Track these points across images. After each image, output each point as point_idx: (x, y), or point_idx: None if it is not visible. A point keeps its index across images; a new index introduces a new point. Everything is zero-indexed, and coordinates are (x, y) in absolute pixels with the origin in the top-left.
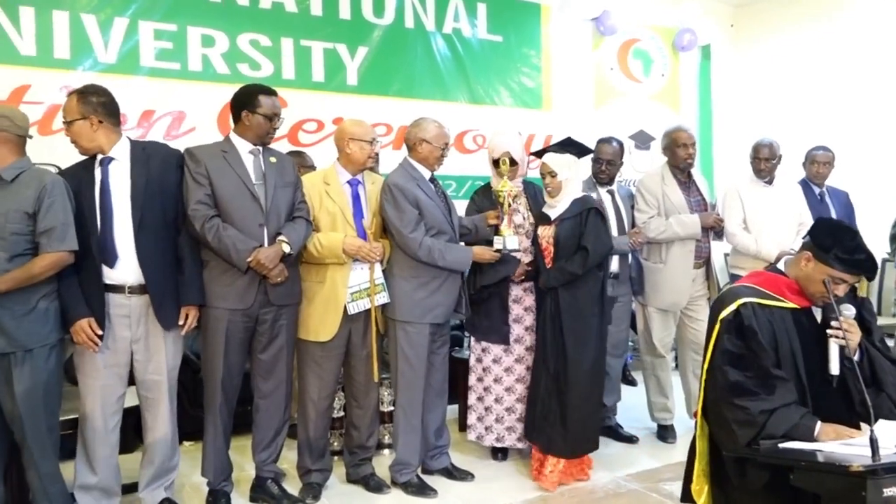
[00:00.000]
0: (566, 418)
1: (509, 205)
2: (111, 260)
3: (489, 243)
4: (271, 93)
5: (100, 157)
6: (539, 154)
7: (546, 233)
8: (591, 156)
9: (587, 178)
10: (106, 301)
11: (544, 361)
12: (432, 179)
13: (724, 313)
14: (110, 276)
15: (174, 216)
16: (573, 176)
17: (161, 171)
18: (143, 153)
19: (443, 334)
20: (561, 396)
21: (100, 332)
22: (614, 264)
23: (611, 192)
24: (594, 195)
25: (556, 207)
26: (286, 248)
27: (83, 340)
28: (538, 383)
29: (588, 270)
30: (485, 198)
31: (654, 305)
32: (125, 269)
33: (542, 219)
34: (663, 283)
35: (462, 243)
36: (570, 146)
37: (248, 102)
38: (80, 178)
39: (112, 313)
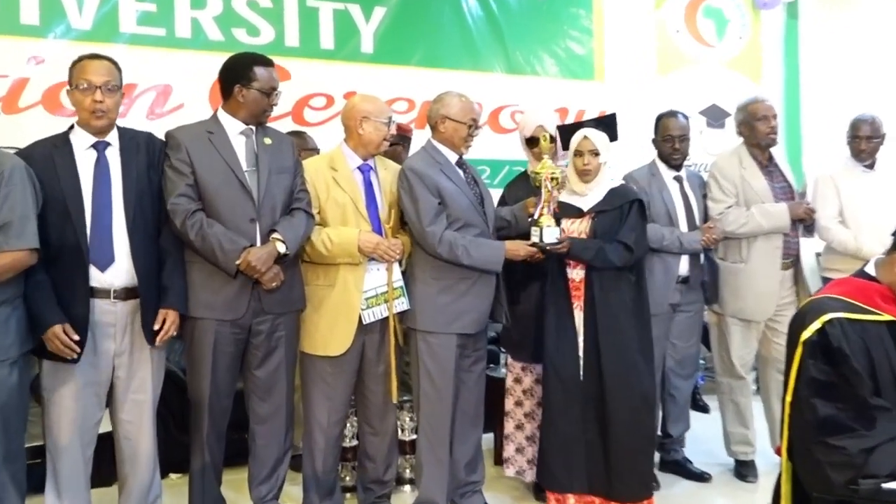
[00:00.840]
0: (616, 456)
1: (548, 190)
2: (105, 262)
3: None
4: (268, 63)
5: (93, 140)
6: (566, 130)
7: (579, 227)
8: (656, 136)
9: (649, 162)
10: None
11: (572, 387)
12: (461, 163)
13: (806, 334)
14: (96, 279)
15: (159, 211)
16: (610, 161)
17: (149, 162)
18: (132, 141)
19: (477, 348)
20: (603, 430)
21: (76, 338)
22: (684, 266)
23: (678, 180)
24: (647, 183)
25: (587, 197)
26: (281, 249)
27: (58, 348)
28: (562, 414)
29: (619, 271)
30: (519, 190)
31: (735, 315)
32: (115, 271)
33: (565, 210)
34: (745, 287)
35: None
36: (608, 126)
37: (241, 75)
38: (52, 163)
39: (95, 321)
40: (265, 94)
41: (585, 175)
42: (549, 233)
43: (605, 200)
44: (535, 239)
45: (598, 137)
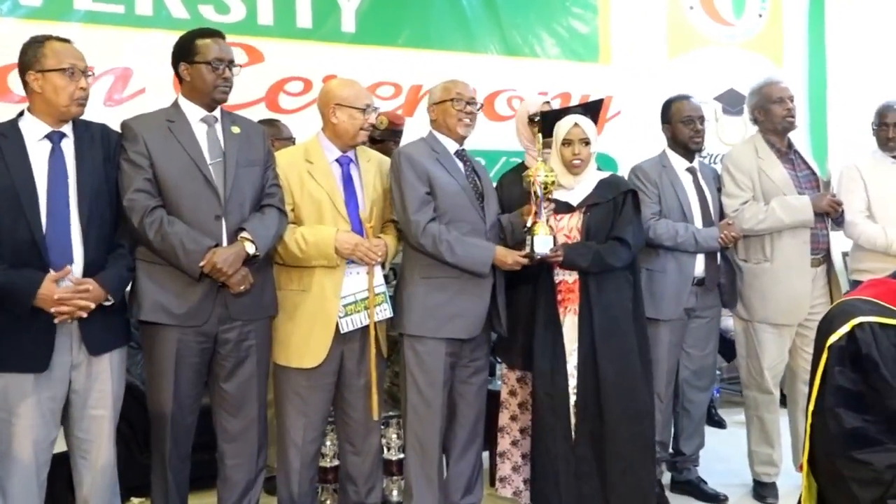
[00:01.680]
0: (614, 472)
1: (536, 194)
2: (64, 264)
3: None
4: (212, 34)
5: (48, 130)
6: (549, 116)
7: (569, 223)
8: (669, 121)
9: (659, 153)
10: None
11: (559, 401)
12: (462, 155)
13: (833, 338)
14: None
15: (117, 211)
16: (595, 151)
17: (105, 156)
18: (87, 132)
19: (475, 358)
20: (598, 445)
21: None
22: (699, 266)
23: (692, 171)
24: (658, 175)
25: (574, 190)
26: (250, 249)
27: (70, 303)
28: (549, 431)
29: (618, 270)
30: (513, 185)
31: (765, 320)
32: (74, 274)
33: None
34: (774, 288)
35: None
36: (593, 113)
37: (184, 52)
38: (0, 153)
39: None
40: (211, 66)
41: (576, 167)
42: (541, 242)
43: (595, 193)
44: (527, 248)
45: (588, 125)
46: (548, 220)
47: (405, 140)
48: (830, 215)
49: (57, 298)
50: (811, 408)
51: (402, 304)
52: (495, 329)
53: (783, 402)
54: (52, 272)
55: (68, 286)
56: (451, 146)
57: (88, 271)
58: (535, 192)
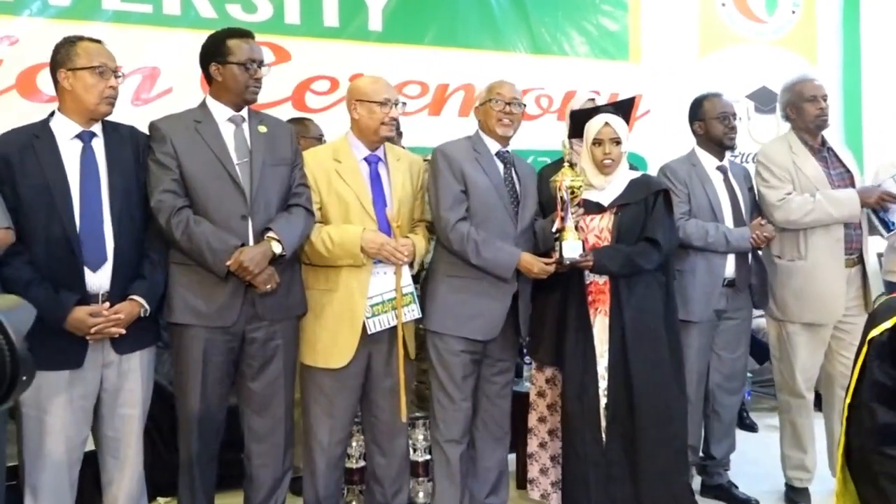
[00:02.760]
0: (645, 476)
1: (563, 199)
2: (97, 262)
3: None
4: (244, 34)
5: (79, 129)
6: (579, 115)
7: (600, 223)
8: (701, 118)
9: (688, 152)
10: None
11: (589, 404)
12: (504, 157)
13: (874, 332)
14: (87, 280)
15: (146, 210)
16: (627, 150)
17: (134, 157)
18: (116, 133)
19: (501, 358)
20: (630, 449)
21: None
22: (730, 267)
23: (722, 170)
24: (687, 174)
25: (605, 190)
26: (276, 249)
27: (102, 327)
28: (578, 434)
29: (649, 271)
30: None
31: (800, 319)
32: (107, 272)
33: (584, 206)
34: (809, 287)
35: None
36: (624, 112)
37: (215, 53)
38: (33, 153)
39: None
40: (244, 67)
41: (607, 167)
42: (570, 247)
43: (626, 193)
44: (556, 254)
45: (619, 124)
46: (577, 225)
47: (427, 139)
48: (882, 209)
49: (93, 332)
50: (848, 400)
51: (426, 299)
52: (516, 332)
53: (818, 405)
54: (85, 306)
55: (101, 317)
56: (494, 146)
57: (120, 268)
58: (561, 198)
